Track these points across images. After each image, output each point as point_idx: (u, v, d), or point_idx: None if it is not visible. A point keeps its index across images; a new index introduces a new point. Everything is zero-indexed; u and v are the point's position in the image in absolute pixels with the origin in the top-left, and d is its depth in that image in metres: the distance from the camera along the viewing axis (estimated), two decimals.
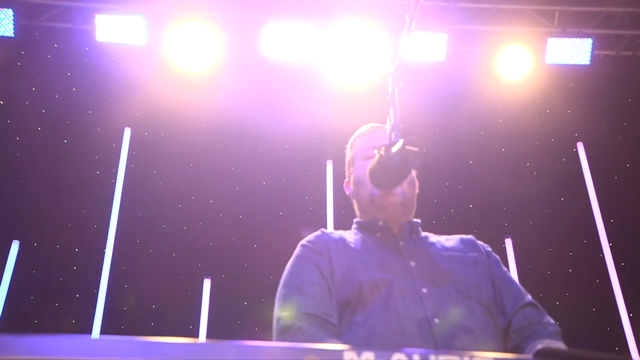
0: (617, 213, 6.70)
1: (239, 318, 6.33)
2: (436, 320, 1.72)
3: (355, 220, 2.12)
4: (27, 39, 6.85)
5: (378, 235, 1.99)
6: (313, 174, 6.81)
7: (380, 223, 2.00)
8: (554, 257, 6.83)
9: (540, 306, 1.94)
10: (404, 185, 2.00)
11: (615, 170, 7.03)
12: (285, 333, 1.74)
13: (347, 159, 2.23)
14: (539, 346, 0.90)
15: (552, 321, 1.90)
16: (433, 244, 2.01)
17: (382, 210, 2.01)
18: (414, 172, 2.11)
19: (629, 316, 5.98)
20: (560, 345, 1.78)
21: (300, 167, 6.96)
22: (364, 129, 2.23)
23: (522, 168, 7.14)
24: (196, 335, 5.89)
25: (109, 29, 6.51)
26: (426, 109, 7.04)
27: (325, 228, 2.25)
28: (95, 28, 6.50)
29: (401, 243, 1.95)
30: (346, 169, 2.23)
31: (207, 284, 6.10)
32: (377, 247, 1.94)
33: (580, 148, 6.75)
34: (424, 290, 1.79)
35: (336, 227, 6.11)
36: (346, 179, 2.22)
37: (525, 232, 6.71)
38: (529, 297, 1.96)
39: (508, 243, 6.27)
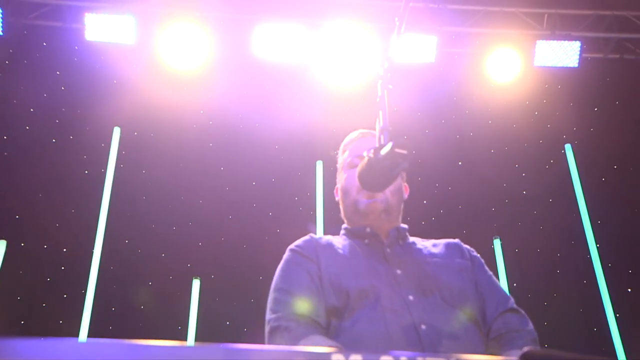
0: (605, 214, 6.74)
1: (228, 319, 6.31)
2: (423, 327, 1.73)
3: (343, 226, 2.14)
4: (16, 37, 6.81)
5: (366, 241, 2.00)
6: (303, 175, 6.81)
7: (368, 230, 2.02)
8: (542, 258, 6.86)
9: (522, 311, 1.95)
10: (387, 192, 2.03)
11: (603, 172, 7.07)
12: (274, 334, 1.76)
13: (338, 165, 2.26)
14: (525, 348, 0.90)
15: (531, 328, 1.91)
16: (420, 250, 2.02)
17: (365, 218, 2.04)
18: (400, 179, 2.12)
19: (616, 317, 6.02)
20: None
21: (290, 167, 6.95)
22: (353, 135, 2.25)
23: (511, 169, 7.17)
24: (185, 336, 5.88)
25: (98, 28, 6.49)
26: (416, 111, 7.05)
27: (315, 229, 2.27)
28: (84, 27, 6.48)
29: (388, 250, 1.97)
30: (337, 176, 2.26)
31: (196, 284, 6.09)
32: (365, 254, 1.96)
33: (569, 150, 6.79)
34: (410, 297, 1.81)
35: (326, 228, 6.12)
36: (335, 186, 2.25)
37: (513, 233, 6.73)
38: (512, 302, 1.97)
39: (497, 244, 6.30)
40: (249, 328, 5.76)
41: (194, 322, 5.91)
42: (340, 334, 1.76)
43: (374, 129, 1.79)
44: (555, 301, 6.67)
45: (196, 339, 5.93)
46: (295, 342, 1.69)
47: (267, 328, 1.80)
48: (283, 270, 1.94)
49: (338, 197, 2.20)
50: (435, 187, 7.11)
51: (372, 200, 2.01)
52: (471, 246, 2.14)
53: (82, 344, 0.85)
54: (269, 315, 1.82)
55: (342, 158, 2.22)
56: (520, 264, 6.59)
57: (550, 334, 6.16)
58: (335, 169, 2.29)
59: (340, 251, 1.97)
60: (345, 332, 1.76)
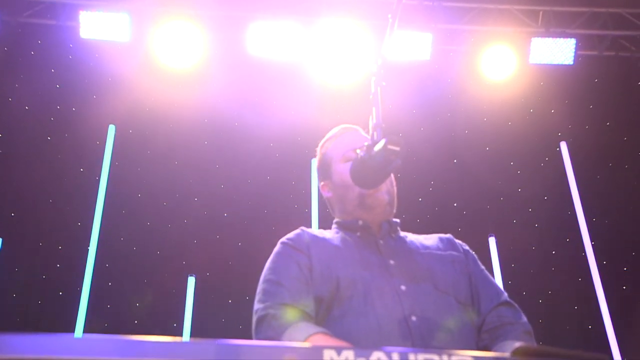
0: (600, 212, 6.76)
1: (223, 316, 6.32)
2: (413, 318, 1.73)
3: (334, 220, 2.12)
4: (11, 35, 6.80)
5: (358, 234, 2.00)
6: (298, 172, 6.81)
7: (360, 222, 2.01)
8: (537, 256, 6.88)
9: (515, 305, 1.96)
10: (388, 183, 2.03)
11: (598, 170, 7.09)
12: (261, 323, 1.75)
13: (319, 162, 2.21)
14: (517, 344, 0.90)
15: (525, 320, 1.92)
16: (412, 242, 2.03)
17: (370, 210, 2.02)
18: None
19: (610, 314, 6.04)
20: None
21: (285, 165, 6.96)
22: (334, 131, 2.23)
23: (506, 167, 7.19)
24: (180, 333, 5.88)
25: (93, 26, 6.48)
26: (411, 108, 7.07)
27: (310, 226, 2.26)
28: (79, 24, 6.47)
29: (381, 241, 1.97)
30: (319, 172, 2.21)
31: (191, 281, 6.09)
32: (357, 245, 1.95)
33: (564, 147, 6.80)
34: (403, 287, 1.81)
35: (320, 225, 6.13)
36: (321, 182, 2.19)
37: (508, 231, 6.75)
38: (505, 295, 1.98)
39: (492, 241, 6.31)
40: (244, 325, 5.76)
41: (189, 319, 5.92)
42: (330, 324, 1.76)
43: (368, 126, 1.79)
44: (550, 298, 6.69)
45: (191, 336, 5.93)
46: (283, 330, 1.68)
47: (254, 318, 1.79)
48: (272, 262, 1.93)
49: (330, 193, 2.15)
50: (430, 184, 7.13)
51: (379, 192, 2.00)
52: (466, 244, 2.14)
53: (77, 339, 0.85)
54: (256, 305, 1.81)
55: (326, 155, 2.17)
56: (515, 262, 6.61)
57: (545, 331, 6.18)
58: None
59: (332, 242, 1.96)
60: (335, 323, 1.76)
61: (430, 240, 2.07)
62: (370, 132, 1.73)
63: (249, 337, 1.79)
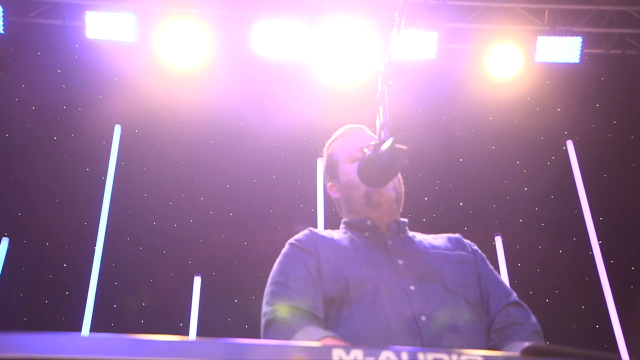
0: (606, 211, 6.74)
1: (229, 315, 6.33)
2: (423, 318, 1.73)
3: (343, 220, 2.12)
4: (17, 35, 6.81)
5: (366, 234, 2.00)
6: (303, 172, 6.81)
7: (369, 222, 2.01)
8: (544, 255, 6.86)
9: (524, 305, 1.96)
10: (395, 181, 2.03)
11: (605, 168, 7.07)
12: (269, 326, 1.75)
13: (326, 163, 2.22)
14: (526, 343, 0.90)
15: (534, 321, 1.91)
16: (420, 242, 2.02)
17: (377, 208, 2.01)
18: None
19: (618, 314, 6.02)
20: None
21: (290, 164, 6.96)
22: (340, 131, 2.23)
23: (512, 166, 7.17)
24: (186, 333, 5.89)
25: (99, 26, 6.50)
26: (417, 107, 7.06)
27: (316, 226, 2.27)
28: (85, 25, 6.49)
29: (389, 242, 1.96)
30: (326, 173, 2.22)
31: (197, 281, 6.10)
32: (365, 245, 1.95)
33: (570, 146, 6.78)
34: (412, 287, 1.80)
35: (326, 225, 6.12)
36: (329, 183, 2.19)
37: (515, 230, 6.73)
38: (514, 295, 1.98)
39: (498, 241, 6.30)
40: (250, 325, 5.77)
41: (195, 319, 5.92)
42: (339, 325, 1.76)
43: (375, 125, 1.79)
44: (556, 298, 6.68)
45: (197, 336, 5.94)
46: (291, 334, 1.67)
47: (262, 321, 1.79)
48: (280, 263, 1.93)
49: (338, 194, 2.15)
50: (437, 183, 7.12)
51: (386, 189, 1.99)
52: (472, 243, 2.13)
53: (84, 338, 0.85)
54: (264, 308, 1.81)
55: (333, 156, 2.18)
56: (521, 261, 6.60)
57: (552, 330, 6.16)
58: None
59: (341, 243, 1.96)
60: (344, 324, 1.75)
61: (438, 240, 2.06)
62: (378, 131, 1.72)
63: (255, 337, 1.79)
